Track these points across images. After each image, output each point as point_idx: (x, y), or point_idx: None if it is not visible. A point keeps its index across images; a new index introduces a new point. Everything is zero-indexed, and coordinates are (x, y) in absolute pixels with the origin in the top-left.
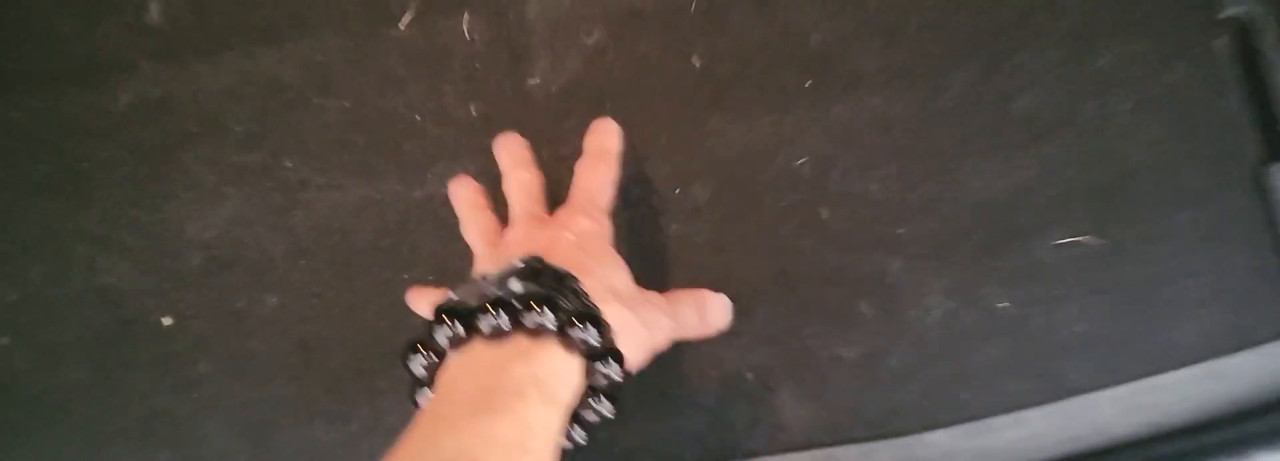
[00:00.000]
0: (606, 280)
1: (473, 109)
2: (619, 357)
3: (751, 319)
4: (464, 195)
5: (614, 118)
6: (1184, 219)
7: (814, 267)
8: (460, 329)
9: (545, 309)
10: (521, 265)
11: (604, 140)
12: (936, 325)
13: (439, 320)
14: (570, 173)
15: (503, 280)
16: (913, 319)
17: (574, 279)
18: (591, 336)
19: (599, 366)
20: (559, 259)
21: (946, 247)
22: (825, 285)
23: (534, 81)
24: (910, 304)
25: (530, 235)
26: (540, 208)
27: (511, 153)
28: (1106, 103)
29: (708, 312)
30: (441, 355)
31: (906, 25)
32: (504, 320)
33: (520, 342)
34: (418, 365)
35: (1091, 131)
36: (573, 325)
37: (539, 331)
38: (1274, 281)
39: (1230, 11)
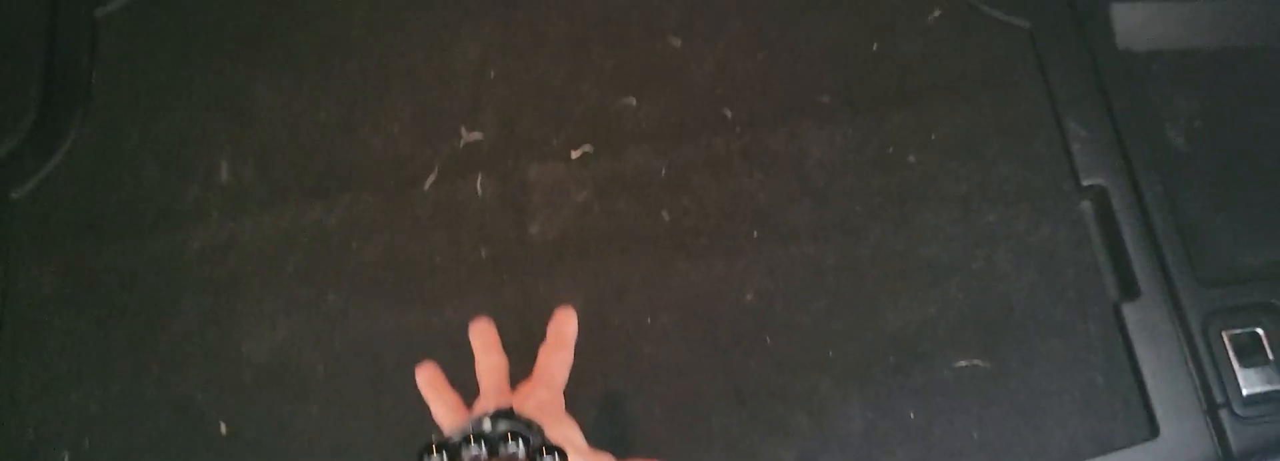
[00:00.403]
0: (563, 435)
1: (483, 252)
2: None
3: (708, 426)
4: (427, 379)
5: (597, 261)
6: (1056, 346)
7: (760, 385)
8: (444, 459)
9: (518, 441)
10: (494, 410)
11: (562, 328)
12: (859, 433)
13: (426, 454)
14: (547, 313)
15: (479, 421)
16: (839, 427)
17: (539, 426)
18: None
19: None
20: (525, 409)
21: (866, 369)
22: (770, 399)
23: (534, 230)
24: (837, 415)
25: (497, 402)
26: (506, 386)
27: (483, 338)
28: (993, 252)
29: None
30: None
31: (833, 189)
32: (482, 451)
33: None
34: None
35: (981, 276)
36: (541, 455)
37: (511, 459)
38: (1128, 398)
39: (1091, 181)
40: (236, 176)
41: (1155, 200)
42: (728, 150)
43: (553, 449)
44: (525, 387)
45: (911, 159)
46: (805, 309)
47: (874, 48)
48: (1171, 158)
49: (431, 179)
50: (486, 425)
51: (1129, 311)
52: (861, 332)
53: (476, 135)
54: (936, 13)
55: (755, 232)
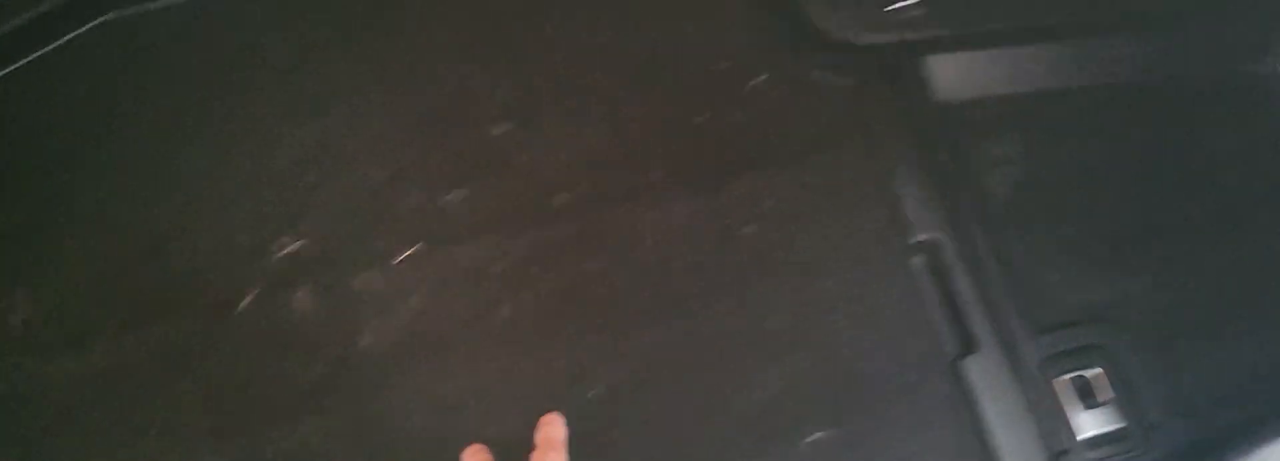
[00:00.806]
0: None
1: (312, 372)
2: None
3: None
4: None
5: (436, 369)
6: (903, 409)
7: None
8: None
9: None
10: None
11: (551, 432)
12: None
13: None
14: (389, 432)
15: None
16: None
17: None
18: None
19: None
20: None
21: (720, 455)
22: None
23: (365, 343)
24: None
25: None
26: None
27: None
28: (834, 320)
29: None
30: None
31: (671, 269)
32: None
33: None
34: None
35: (823, 345)
36: None
37: None
38: (976, 454)
39: (921, 236)
40: (33, 316)
41: (984, 250)
42: (562, 238)
43: None
44: None
45: (747, 231)
46: (653, 399)
47: (700, 120)
48: (996, 205)
49: (249, 298)
50: None
51: (969, 366)
52: (712, 416)
53: (296, 245)
54: (763, 76)
55: (599, 322)
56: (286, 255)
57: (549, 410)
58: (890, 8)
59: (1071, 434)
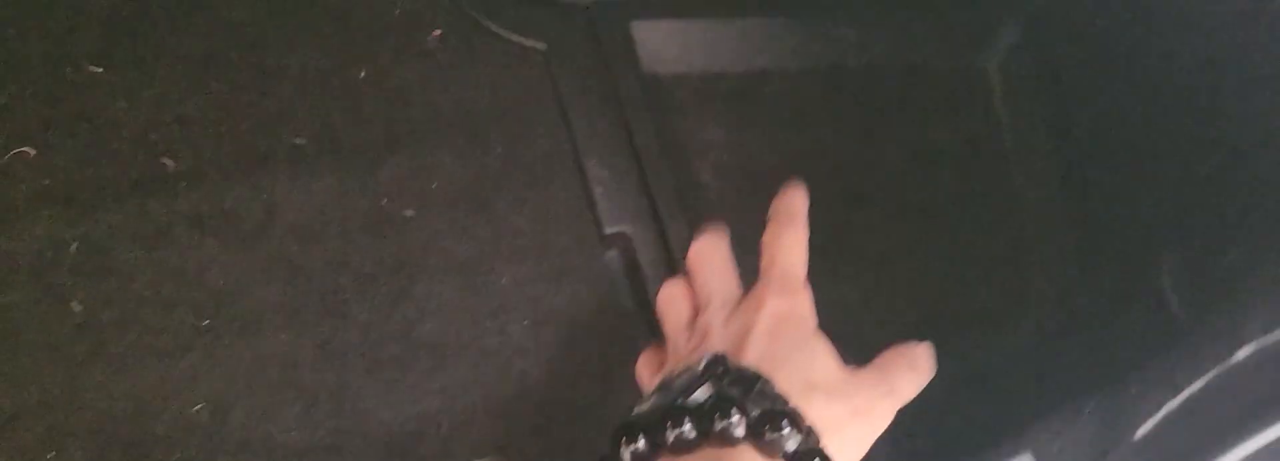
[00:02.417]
0: (805, 372)
1: None
2: (824, 457)
3: None
4: (666, 294)
5: None
6: (579, 430)
7: None
8: (644, 444)
9: (732, 414)
10: (702, 369)
11: (790, 202)
12: None
13: (620, 439)
14: None
15: (685, 388)
16: None
17: (762, 379)
18: (791, 439)
19: None
20: (749, 356)
21: None
22: None
23: None
24: None
25: (718, 328)
26: (734, 289)
27: (711, 239)
28: (506, 324)
29: (920, 365)
30: None
31: (311, 258)
32: (688, 430)
33: (710, 454)
34: None
35: (493, 353)
36: (767, 428)
37: (729, 439)
38: None
39: (615, 228)
40: None
41: (681, 245)
42: (168, 214)
43: (783, 416)
44: (755, 294)
45: (409, 213)
46: (273, 418)
47: (361, 75)
48: (699, 195)
49: None
50: (699, 393)
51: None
52: (346, 441)
53: None
54: (437, 32)
55: (206, 322)
56: None
57: (129, 434)
58: None
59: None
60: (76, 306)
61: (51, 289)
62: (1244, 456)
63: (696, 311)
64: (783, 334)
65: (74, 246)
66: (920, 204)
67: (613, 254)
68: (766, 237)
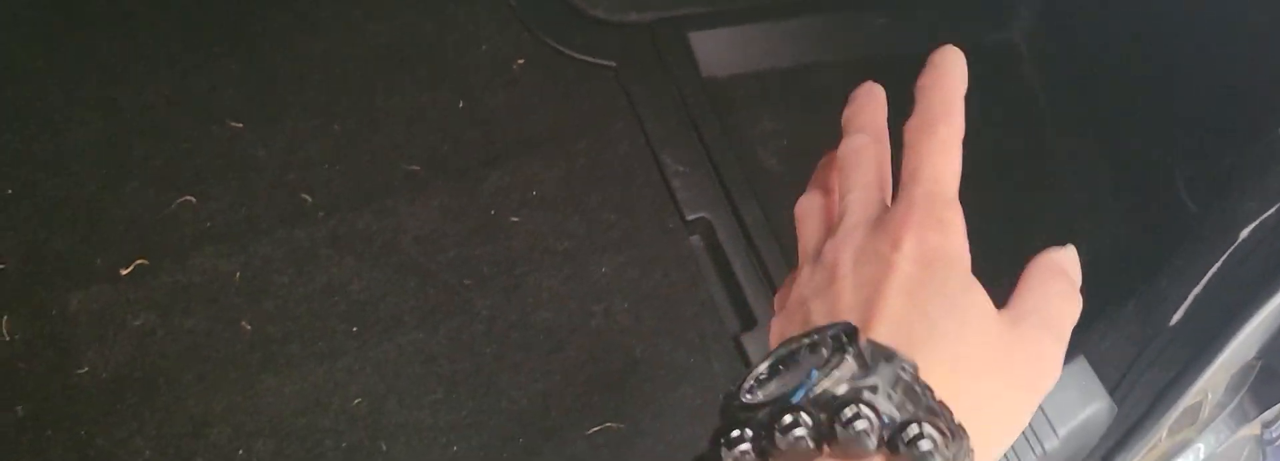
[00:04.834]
0: (956, 344)
1: (19, 410)
2: None
3: None
4: (800, 209)
5: (167, 395)
6: (686, 393)
7: None
8: (750, 449)
9: (861, 417)
10: (828, 353)
11: (942, 83)
12: None
13: (720, 439)
14: None
15: (803, 377)
16: None
17: (902, 362)
18: (934, 453)
19: None
20: (882, 327)
21: (496, 456)
22: None
23: (82, 372)
24: None
25: (847, 270)
26: (876, 200)
27: (866, 102)
28: (609, 306)
29: (1075, 282)
30: None
31: (435, 265)
32: (805, 435)
33: None
34: None
35: (600, 333)
36: (905, 437)
37: (858, 451)
38: None
39: (695, 214)
40: None
41: (756, 225)
42: (311, 240)
43: (927, 418)
44: (897, 219)
45: (514, 219)
46: (421, 403)
47: (459, 106)
48: (766, 179)
49: None
50: (823, 382)
51: (748, 343)
52: (485, 418)
53: None
54: (519, 61)
55: (355, 328)
56: None
57: (303, 428)
58: None
59: None
60: (246, 325)
61: (224, 312)
62: (1260, 321)
63: (823, 233)
64: (926, 286)
65: (237, 275)
66: (967, 169)
67: (695, 238)
68: (909, 134)
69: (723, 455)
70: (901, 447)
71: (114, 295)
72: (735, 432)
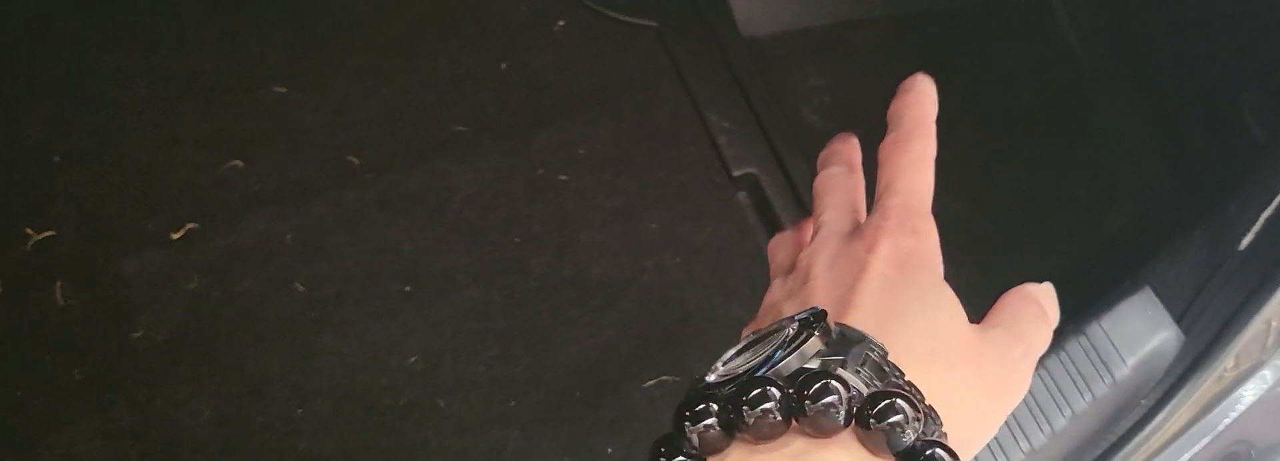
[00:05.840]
0: (926, 336)
1: (77, 373)
2: (946, 450)
3: None
4: (773, 243)
5: (225, 355)
6: None
7: (441, 455)
8: (716, 423)
9: (830, 391)
10: (795, 330)
11: (915, 105)
12: None
13: (684, 414)
14: (173, 429)
15: (773, 356)
16: None
17: (873, 345)
18: (905, 426)
19: None
20: (856, 314)
21: (555, 411)
22: None
23: (138, 335)
24: None
25: (821, 270)
26: (848, 220)
27: (839, 148)
28: (661, 261)
29: (1049, 311)
30: None
31: (486, 224)
32: (774, 409)
33: (800, 447)
34: None
35: (653, 287)
36: (875, 412)
37: (826, 424)
38: None
39: (742, 170)
40: None
41: (803, 180)
42: (361, 201)
43: (898, 396)
44: (872, 225)
45: (563, 178)
46: (477, 360)
47: (503, 67)
48: (809, 135)
49: None
50: (789, 361)
51: None
52: (542, 373)
53: (48, 233)
54: (561, 22)
55: (408, 287)
56: (37, 246)
57: (360, 386)
58: None
59: None
60: (299, 287)
61: (277, 274)
62: None
63: (802, 242)
64: (900, 283)
65: (289, 237)
66: (1005, 121)
67: (742, 194)
68: (883, 152)
69: (686, 430)
70: (871, 422)
71: (166, 259)
72: (700, 406)
